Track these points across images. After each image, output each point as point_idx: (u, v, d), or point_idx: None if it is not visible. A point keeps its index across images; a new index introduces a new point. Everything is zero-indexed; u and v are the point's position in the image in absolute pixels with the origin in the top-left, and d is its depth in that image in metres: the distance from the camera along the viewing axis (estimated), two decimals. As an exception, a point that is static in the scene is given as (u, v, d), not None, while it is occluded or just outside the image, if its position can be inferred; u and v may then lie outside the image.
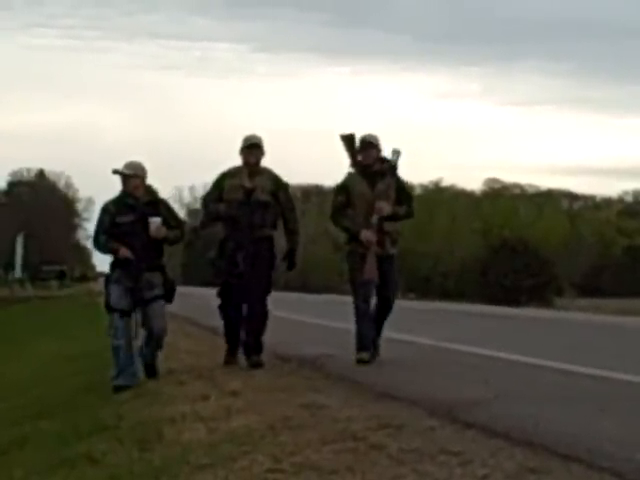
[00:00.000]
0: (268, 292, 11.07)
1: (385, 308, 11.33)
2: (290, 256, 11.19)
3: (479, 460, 5.66)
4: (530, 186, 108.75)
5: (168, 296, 10.49)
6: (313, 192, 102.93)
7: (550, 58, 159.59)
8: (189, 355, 13.37)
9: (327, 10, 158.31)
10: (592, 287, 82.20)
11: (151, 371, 10.71)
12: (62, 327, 24.53)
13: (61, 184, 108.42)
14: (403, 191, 11.25)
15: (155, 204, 10.48)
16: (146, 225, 10.16)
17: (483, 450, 5.95)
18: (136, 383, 10.30)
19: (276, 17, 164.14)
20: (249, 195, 10.75)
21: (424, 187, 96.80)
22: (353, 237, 11.04)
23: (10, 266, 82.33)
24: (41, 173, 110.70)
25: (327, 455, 6.14)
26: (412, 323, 21.92)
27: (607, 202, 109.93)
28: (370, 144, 10.99)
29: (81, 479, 6.63)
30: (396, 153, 11.11)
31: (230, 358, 11.28)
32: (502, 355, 11.90)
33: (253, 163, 10.89)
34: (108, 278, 10.53)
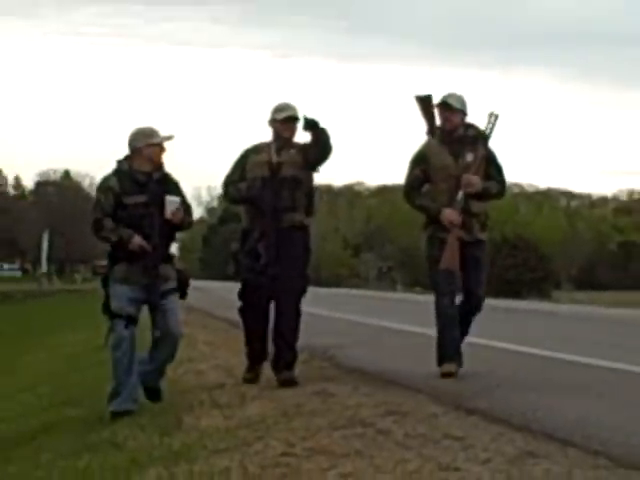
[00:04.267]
0: (302, 293, 8.73)
1: (471, 306, 8.80)
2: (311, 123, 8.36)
3: (481, 445, 5.65)
4: (529, 185, 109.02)
5: (182, 291, 8.24)
6: (324, 191, 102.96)
7: (548, 64, 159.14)
8: (206, 345, 13.39)
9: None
10: (588, 281, 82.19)
11: (155, 395, 8.49)
12: (87, 319, 24.52)
13: (85, 184, 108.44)
14: (494, 164, 8.67)
15: (167, 182, 8.13)
16: (161, 207, 7.92)
17: (485, 435, 5.95)
18: (136, 409, 8.17)
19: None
20: (275, 172, 8.41)
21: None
22: (432, 219, 8.66)
23: (38, 261, 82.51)
24: (67, 174, 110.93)
25: (337, 440, 6.14)
26: (420, 315, 21.89)
27: (603, 200, 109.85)
28: (450, 107, 8.53)
29: (104, 463, 6.63)
30: (493, 117, 8.61)
31: (250, 374, 8.90)
32: (504, 345, 11.89)
33: (288, 137, 8.55)
34: (108, 275, 8.10)
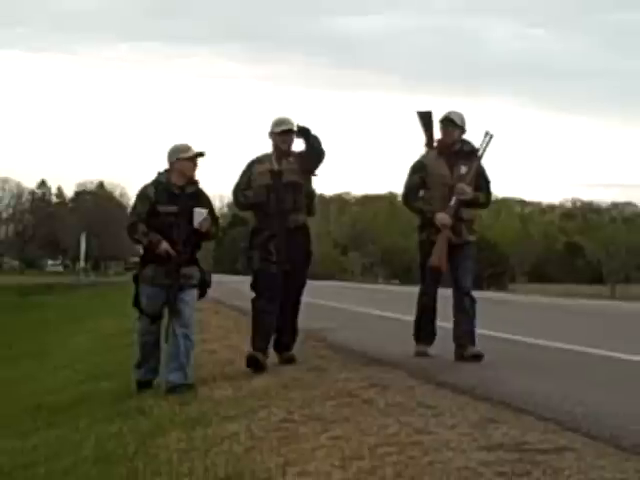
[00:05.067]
0: (304, 286, 8.55)
1: (461, 296, 8.43)
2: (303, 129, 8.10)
3: (449, 412, 5.65)
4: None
5: (202, 290, 7.89)
6: (317, 200, 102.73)
7: (506, 93, 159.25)
8: (218, 329, 13.37)
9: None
10: (539, 275, 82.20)
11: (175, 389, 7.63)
12: (119, 307, 24.49)
13: (117, 193, 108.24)
14: (483, 177, 8.38)
15: (199, 196, 7.85)
16: (190, 217, 7.62)
17: (452, 404, 5.95)
18: (156, 379, 7.96)
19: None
20: (278, 179, 8.10)
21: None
22: (426, 221, 8.39)
23: (77, 258, 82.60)
24: (101, 184, 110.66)
25: (329, 408, 6.14)
26: (397, 304, 21.89)
27: (551, 207, 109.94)
28: (453, 123, 8.23)
29: (133, 427, 6.62)
30: (488, 136, 8.28)
31: (255, 360, 8.09)
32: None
33: (285, 150, 8.21)
34: (138, 275, 7.89)
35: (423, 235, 8.47)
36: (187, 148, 7.80)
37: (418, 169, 8.42)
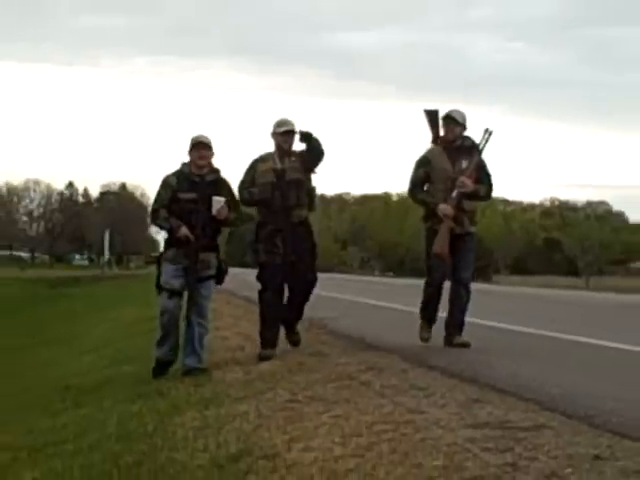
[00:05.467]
0: (315, 281, 8.20)
1: (459, 287, 8.13)
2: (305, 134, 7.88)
3: (439, 393, 5.65)
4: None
5: (219, 278, 7.73)
6: (319, 199, 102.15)
7: (490, 102, 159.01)
8: (230, 317, 13.36)
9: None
10: (521, 267, 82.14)
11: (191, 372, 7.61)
12: (140, 297, 24.51)
13: (138, 194, 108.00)
14: (484, 171, 8.09)
15: (218, 184, 7.64)
16: (209, 204, 7.43)
17: (442, 386, 5.94)
18: (176, 359, 7.79)
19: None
20: (281, 177, 7.83)
21: (400, 195, 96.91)
22: (430, 212, 8.10)
23: (101, 253, 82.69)
24: (123, 186, 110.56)
25: (330, 390, 6.14)
26: (392, 295, 21.90)
27: (532, 206, 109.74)
28: (454, 120, 7.99)
29: (152, 407, 6.63)
30: (487, 133, 8.03)
31: (266, 351, 7.86)
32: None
33: (287, 149, 7.94)
34: (161, 256, 7.77)
35: (428, 225, 8.19)
36: (195, 138, 7.63)
37: (423, 164, 8.15)
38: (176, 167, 7.77)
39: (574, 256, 78.36)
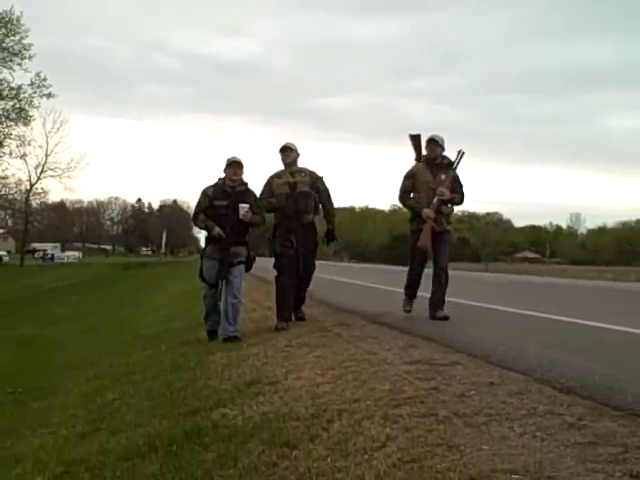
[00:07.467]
0: (314, 269, 7.58)
1: (439, 271, 7.26)
2: (330, 234, 7.56)
3: (386, 341, 5.63)
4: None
5: (248, 266, 6.98)
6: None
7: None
8: (246, 290, 13.26)
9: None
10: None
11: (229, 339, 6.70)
12: (186, 277, 24.36)
13: (185, 207, 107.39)
14: (458, 183, 7.27)
15: (246, 194, 6.91)
16: (237, 209, 6.76)
17: (388, 336, 5.92)
18: (219, 330, 6.90)
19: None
20: (293, 189, 7.13)
21: (361, 208, 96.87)
22: (416, 214, 7.30)
23: (159, 246, 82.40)
24: (175, 201, 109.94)
25: (313, 338, 6.11)
26: (355, 274, 21.80)
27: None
28: (436, 142, 7.22)
29: (194, 350, 6.59)
30: (460, 153, 7.23)
31: (282, 324, 7.05)
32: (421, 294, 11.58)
33: (289, 163, 7.18)
34: (203, 251, 7.08)
35: (413, 225, 7.37)
36: (228, 159, 6.92)
37: (410, 176, 7.36)
38: (214, 181, 7.17)
39: (477, 249, 78.69)
